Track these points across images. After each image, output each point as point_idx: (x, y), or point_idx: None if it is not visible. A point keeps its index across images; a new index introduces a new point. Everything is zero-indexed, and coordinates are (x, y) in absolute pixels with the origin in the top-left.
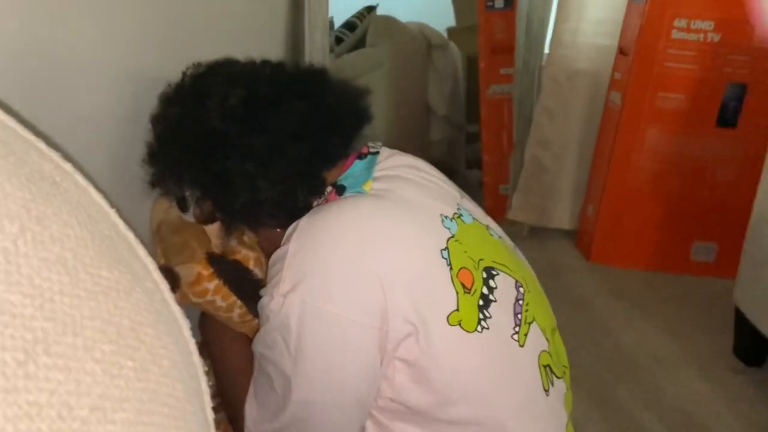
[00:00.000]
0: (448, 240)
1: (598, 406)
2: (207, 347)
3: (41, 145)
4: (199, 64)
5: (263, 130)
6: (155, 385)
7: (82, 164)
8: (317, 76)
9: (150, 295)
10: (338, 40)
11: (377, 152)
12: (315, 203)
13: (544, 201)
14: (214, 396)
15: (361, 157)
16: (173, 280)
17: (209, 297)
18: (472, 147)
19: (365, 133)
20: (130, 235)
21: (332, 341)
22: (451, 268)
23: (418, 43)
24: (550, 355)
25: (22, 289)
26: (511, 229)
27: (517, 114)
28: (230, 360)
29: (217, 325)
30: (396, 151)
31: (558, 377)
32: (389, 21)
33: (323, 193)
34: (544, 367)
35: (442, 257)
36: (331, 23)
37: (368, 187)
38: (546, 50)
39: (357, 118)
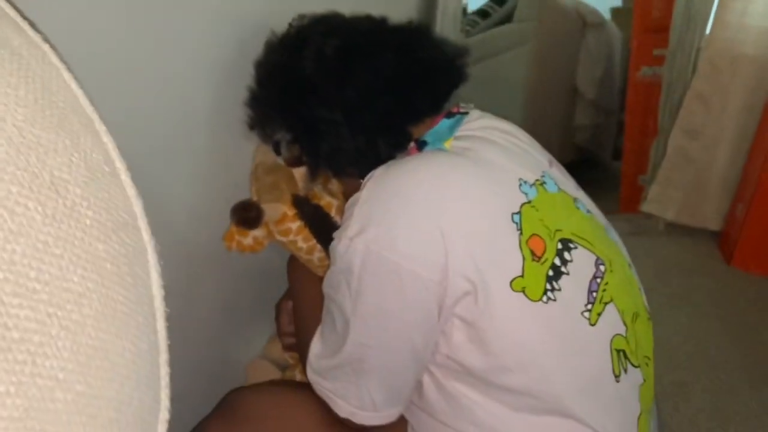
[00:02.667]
0: (522, 205)
1: (715, 419)
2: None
3: (25, 25)
4: (304, 16)
5: (352, 80)
6: (66, 233)
7: (191, 103)
8: (415, 32)
9: (91, 166)
10: (485, 14)
11: (467, 113)
12: (397, 156)
13: (686, 196)
14: (293, 335)
15: (450, 116)
16: (258, 215)
17: (292, 237)
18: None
19: (460, 94)
20: (96, 117)
21: (390, 288)
22: (521, 233)
23: (571, 20)
24: (627, 342)
25: None
26: (646, 222)
27: (664, 99)
28: (306, 300)
29: (298, 267)
30: (488, 114)
31: (634, 366)
32: None
33: (405, 147)
34: (617, 351)
35: (513, 221)
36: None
37: (449, 144)
38: (707, 31)
39: (450, 76)
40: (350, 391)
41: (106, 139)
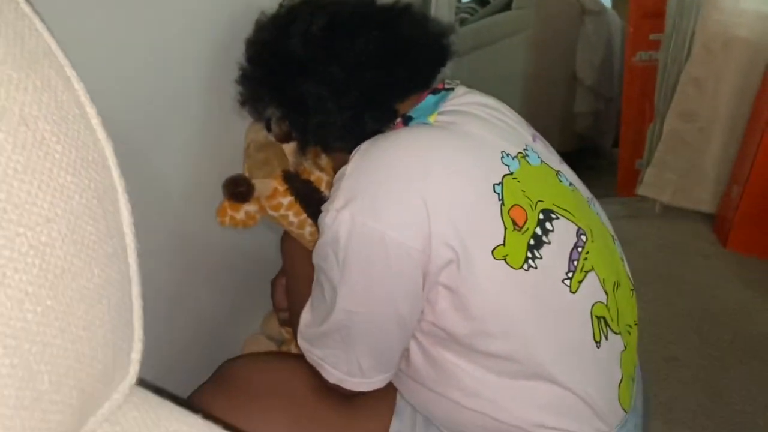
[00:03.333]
0: (504, 176)
1: (704, 392)
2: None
3: None
4: None
5: (338, 56)
6: (36, 162)
7: (182, 80)
8: (401, 10)
9: (61, 107)
10: (484, 2)
11: (452, 89)
12: (384, 131)
13: (681, 178)
14: (286, 310)
15: (435, 92)
16: (249, 190)
17: (283, 211)
18: None
19: (458, 75)
20: (67, 63)
21: (376, 257)
22: (502, 203)
23: (570, 7)
24: (608, 309)
25: None
26: (642, 205)
27: (660, 83)
28: (298, 274)
29: (291, 243)
30: (474, 90)
31: (615, 333)
32: None
33: (391, 122)
34: (598, 318)
35: (494, 191)
36: None
37: (433, 118)
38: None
39: (436, 53)
40: (339, 358)
41: (77, 85)
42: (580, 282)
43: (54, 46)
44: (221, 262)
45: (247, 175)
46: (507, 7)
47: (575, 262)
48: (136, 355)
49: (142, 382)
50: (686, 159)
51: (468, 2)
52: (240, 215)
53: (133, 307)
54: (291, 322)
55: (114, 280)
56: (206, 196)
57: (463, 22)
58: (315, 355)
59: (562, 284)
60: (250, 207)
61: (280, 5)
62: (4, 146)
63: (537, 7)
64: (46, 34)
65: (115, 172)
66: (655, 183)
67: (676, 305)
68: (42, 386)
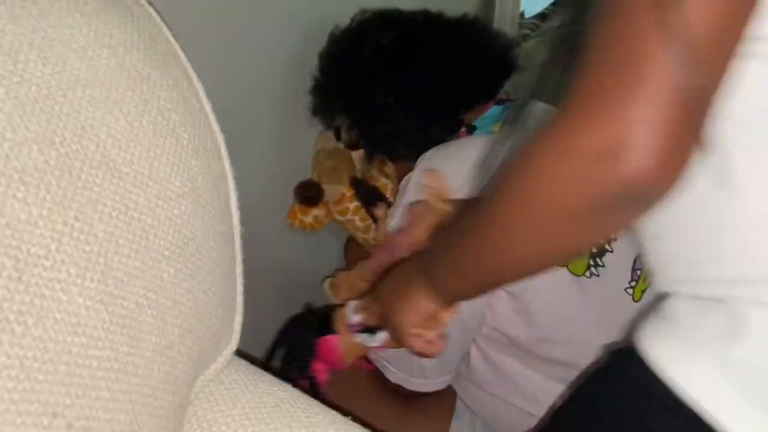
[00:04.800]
0: None
1: None
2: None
3: None
4: (365, 11)
5: (408, 68)
6: (169, 147)
7: (261, 91)
8: (468, 24)
9: (186, 101)
10: (545, 17)
11: (516, 100)
12: (449, 140)
13: None
14: None
15: (500, 103)
16: (319, 194)
17: (349, 216)
18: None
19: (525, 88)
20: (189, 66)
21: None
22: None
23: None
24: None
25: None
26: None
27: None
28: None
29: (355, 247)
30: (538, 101)
31: None
32: None
33: (457, 132)
34: None
35: None
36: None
37: (497, 128)
38: None
39: (500, 66)
40: (402, 359)
41: (197, 84)
42: (643, 291)
43: (179, 50)
44: (286, 264)
45: (316, 180)
46: None
47: (638, 272)
48: (237, 325)
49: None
50: None
51: (530, 18)
52: (308, 219)
53: (237, 281)
54: None
55: (224, 255)
56: (277, 200)
57: (525, 37)
58: (379, 356)
59: (625, 293)
60: (318, 211)
61: (352, 20)
62: (147, 132)
63: None
64: (173, 40)
65: (226, 160)
66: None
67: None
68: (172, 337)
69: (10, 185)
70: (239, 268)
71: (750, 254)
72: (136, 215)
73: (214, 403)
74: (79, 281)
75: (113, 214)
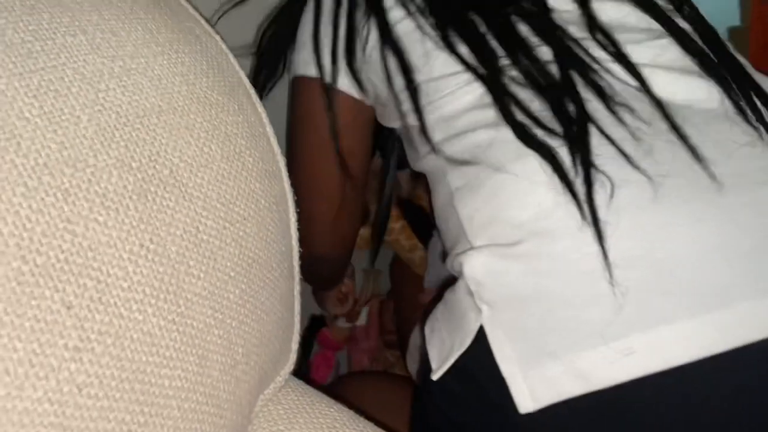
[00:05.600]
0: None
1: None
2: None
3: (201, 20)
4: None
5: None
6: (235, 170)
7: None
8: None
9: (251, 126)
10: None
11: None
12: None
13: None
14: (394, 332)
15: None
16: (367, 216)
17: (395, 236)
18: None
19: None
20: (252, 92)
21: None
22: None
23: None
24: None
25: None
26: None
27: None
28: (406, 297)
29: (401, 268)
30: None
31: None
32: None
33: None
34: None
35: None
36: None
37: None
38: None
39: None
40: None
41: (260, 109)
42: None
43: (243, 76)
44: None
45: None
46: None
47: None
48: (294, 345)
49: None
50: None
51: None
52: None
53: (294, 302)
54: (400, 342)
55: (284, 276)
56: None
57: None
58: None
59: None
60: (364, 231)
61: None
62: (215, 156)
63: None
64: (237, 67)
65: (287, 183)
66: None
67: None
68: (237, 356)
69: (92, 209)
70: (297, 289)
71: None
72: (205, 237)
73: (273, 423)
74: (153, 302)
75: (184, 236)
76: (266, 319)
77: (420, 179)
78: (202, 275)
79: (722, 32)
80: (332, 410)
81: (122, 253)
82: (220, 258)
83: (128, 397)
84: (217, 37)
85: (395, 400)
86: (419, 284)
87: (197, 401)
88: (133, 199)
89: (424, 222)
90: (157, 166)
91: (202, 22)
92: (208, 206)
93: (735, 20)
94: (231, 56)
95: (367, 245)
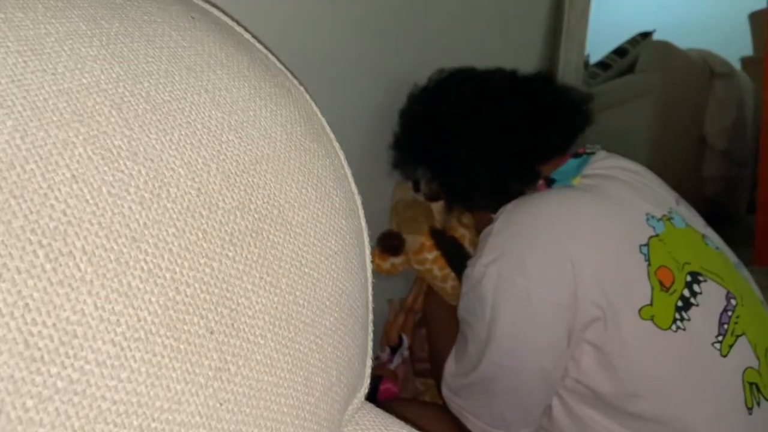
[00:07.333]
0: (650, 237)
1: None
2: (425, 318)
3: (286, 71)
4: (443, 70)
5: (485, 122)
6: (323, 211)
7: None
8: (543, 79)
9: (335, 168)
10: (606, 66)
11: (593, 153)
12: (527, 192)
13: None
14: (425, 360)
15: (576, 156)
16: (401, 244)
17: (428, 265)
18: None
19: (585, 136)
20: (333, 136)
21: (522, 313)
22: (649, 264)
23: (698, 70)
24: (760, 375)
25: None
26: None
27: None
28: (439, 326)
29: (434, 297)
30: (615, 154)
31: (767, 400)
32: (664, 46)
33: (535, 184)
34: (750, 384)
35: (641, 252)
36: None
37: (576, 181)
38: None
39: (576, 119)
40: (482, 409)
41: (340, 153)
42: (730, 346)
43: (325, 123)
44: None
45: (395, 230)
46: (630, 70)
47: (725, 326)
48: (368, 369)
49: None
50: None
51: (591, 66)
52: (386, 265)
53: (368, 329)
54: (433, 372)
55: (364, 305)
56: None
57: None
58: (459, 405)
59: (712, 347)
60: (396, 259)
61: (430, 79)
62: (311, 197)
63: (663, 71)
64: (320, 114)
65: (363, 219)
66: None
67: None
68: (332, 378)
69: (224, 246)
70: (371, 317)
71: None
72: (307, 270)
73: None
74: (271, 328)
75: (291, 269)
76: (351, 345)
77: (453, 210)
78: (306, 305)
79: (735, 61)
80: (404, 431)
81: (247, 285)
82: (318, 289)
83: (255, 413)
84: (302, 88)
85: (440, 426)
86: (452, 314)
87: (304, 419)
88: (252, 236)
89: (457, 252)
90: (269, 207)
91: (288, 74)
92: (308, 243)
93: (748, 50)
94: (314, 105)
95: (396, 272)
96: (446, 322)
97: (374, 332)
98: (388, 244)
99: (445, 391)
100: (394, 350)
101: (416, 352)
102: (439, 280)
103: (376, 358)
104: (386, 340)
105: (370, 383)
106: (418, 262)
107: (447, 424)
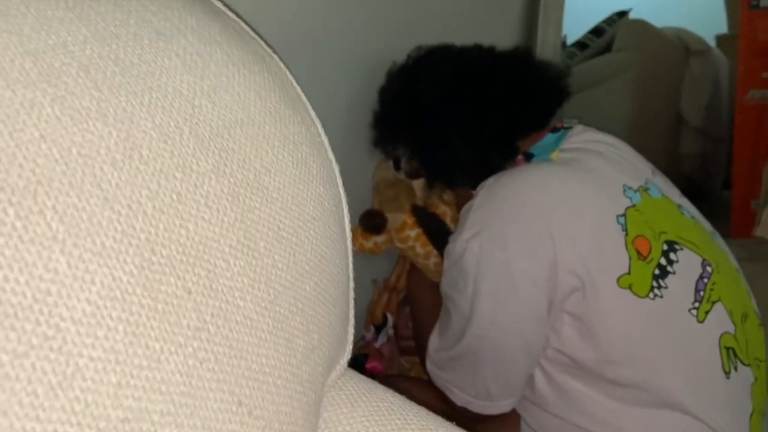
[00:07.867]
0: (627, 208)
1: None
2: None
3: (260, 40)
4: (421, 48)
5: (465, 100)
6: (303, 174)
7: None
8: (520, 55)
9: (311, 136)
10: (583, 46)
11: (570, 128)
12: (506, 168)
13: None
14: (409, 338)
15: (554, 131)
16: (383, 223)
17: (410, 243)
18: None
19: (563, 114)
20: (309, 106)
21: (503, 286)
22: (626, 234)
23: (674, 48)
24: (736, 340)
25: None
26: (760, 248)
27: None
28: (423, 303)
29: (416, 275)
30: (591, 128)
31: (744, 364)
32: (640, 25)
33: (514, 159)
34: (727, 348)
35: (618, 222)
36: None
37: (555, 155)
38: None
39: (553, 95)
40: (466, 381)
41: (317, 121)
42: (707, 312)
43: (301, 94)
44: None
45: (377, 209)
46: (607, 50)
47: (701, 293)
48: (350, 336)
49: None
50: None
51: (567, 47)
52: (369, 244)
53: (350, 296)
54: (417, 349)
55: (344, 272)
56: None
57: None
58: (443, 378)
59: (689, 314)
60: (379, 238)
61: (408, 56)
62: (287, 163)
63: (640, 50)
64: (296, 84)
65: (341, 187)
66: None
67: None
68: (314, 342)
69: (199, 209)
70: (351, 284)
71: None
72: (285, 235)
73: (337, 407)
74: (249, 290)
75: (269, 234)
76: (333, 310)
77: (434, 187)
78: (285, 268)
79: (710, 39)
80: (388, 395)
81: (224, 247)
82: (297, 254)
83: (236, 372)
84: (276, 56)
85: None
86: (435, 291)
87: (286, 379)
88: (228, 200)
89: (439, 229)
90: (244, 172)
91: (262, 42)
92: (285, 207)
93: (722, 27)
94: (288, 73)
95: (379, 251)
96: (429, 299)
97: (359, 312)
98: (370, 222)
99: (429, 366)
100: (379, 329)
101: (401, 330)
102: (421, 258)
103: (361, 337)
104: (371, 320)
105: (356, 362)
106: (400, 240)
107: (432, 398)
